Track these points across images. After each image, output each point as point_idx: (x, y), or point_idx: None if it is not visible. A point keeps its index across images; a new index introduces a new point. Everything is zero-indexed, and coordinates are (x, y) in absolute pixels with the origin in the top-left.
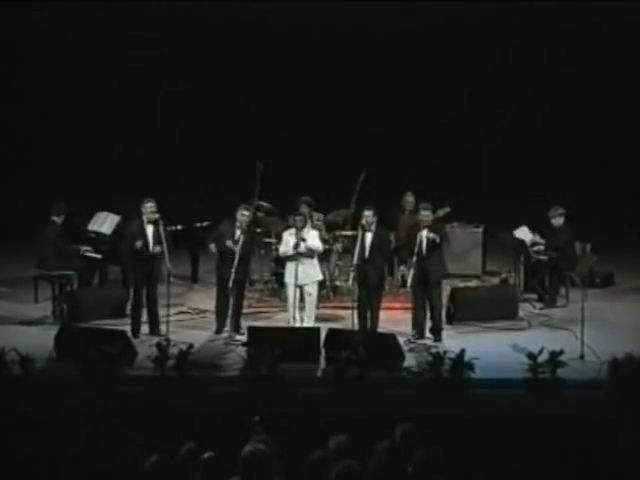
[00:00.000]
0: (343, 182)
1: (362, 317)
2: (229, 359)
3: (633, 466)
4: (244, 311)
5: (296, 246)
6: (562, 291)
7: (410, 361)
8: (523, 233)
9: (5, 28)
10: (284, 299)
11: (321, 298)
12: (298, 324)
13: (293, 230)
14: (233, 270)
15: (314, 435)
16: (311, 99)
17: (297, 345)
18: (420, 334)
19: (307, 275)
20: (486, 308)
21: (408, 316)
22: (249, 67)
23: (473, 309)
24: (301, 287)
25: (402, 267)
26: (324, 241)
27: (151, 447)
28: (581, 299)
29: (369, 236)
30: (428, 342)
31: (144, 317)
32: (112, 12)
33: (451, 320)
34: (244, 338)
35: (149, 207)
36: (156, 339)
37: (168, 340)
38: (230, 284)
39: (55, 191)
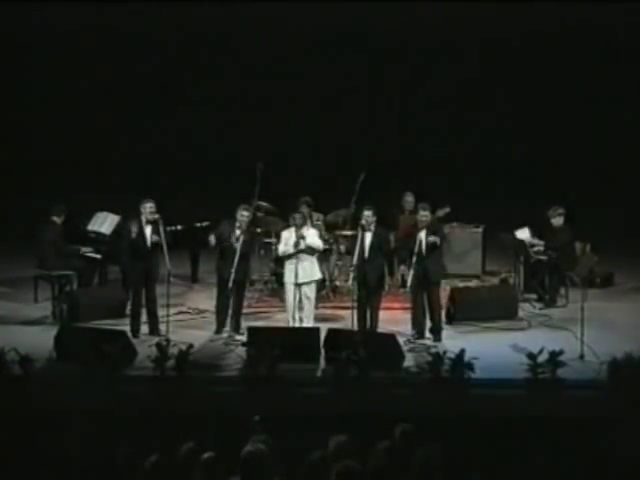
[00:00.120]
0: (343, 182)
1: (361, 317)
2: (229, 359)
3: (633, 466)
4: (244, 311)
5: (297, 244)
6: (562, 291)
7: (409, 361)
8: (524, 234)
9: (5, 28)
10: (284, 299)
11: (321, 298)
12: (297, 324)
13: (292, 229)
14: (233, 270)
15: (314, 435)
16: (311, 99)
17: (297, 345)
18: (420, 334)
19: (307, 274)
20: (486, 308)
21: (408, 316)
22: (249, 67)
23: (473, 309)
24: (300, 287)
25: (402, 267)
26: (324, 241)
27: (151, 447)
28: (581, 299)
29: (369, 236)
30: (428, 342)
31: (144, 317)
32: (111, 12)
33: (451, 320)
34: (244, 338)
35: (148, 207)
36: (156, 339)
37: (168, 340)
38: (230, 284)
39: (55, 191)
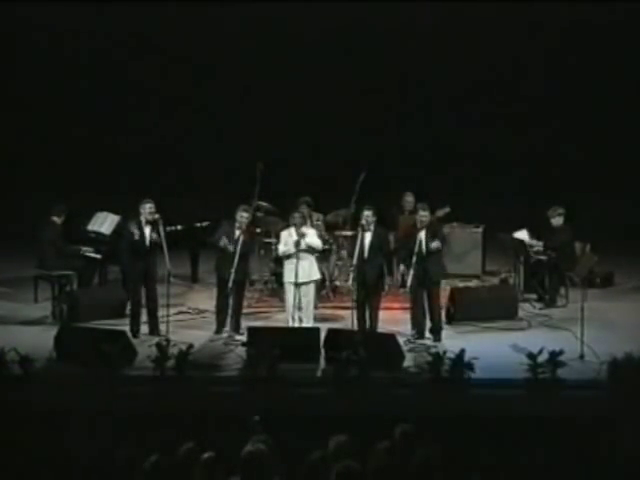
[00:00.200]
0: (343, 182)
1: (361, 317)
2: (229, 359)
3: (633, 466)
4: (244, 311)
5: (297, 244)
6: (562, 291)
7: (408, 362)
8: (522, 236)
9: (5, 27)
10: (283, 299)
11: (321, 298)
12: (297, 324)
13: (292, 229)
14: (233, 270)
15: (314, 435)
16: (311, 99)
17: (297, 345)
18: (420, 334)
19: (306, 273)
20: (486, 308)
21: (408, 316)
22: (249, 67)
23: (473, 309)
24: (300, 287)
25: (401, 266)
26: (324, 241)
27: (151, 447)
28: (581, 299)
29: (368, 236)
30: (428, 342)
31: (144, 317)
32: (110, 12)
33: (451, 320)
34: (244, 338)
35: (148, 208)
36: (156, 339)
37: (168, 340)
38: (230, 284)
39: (55, 191)
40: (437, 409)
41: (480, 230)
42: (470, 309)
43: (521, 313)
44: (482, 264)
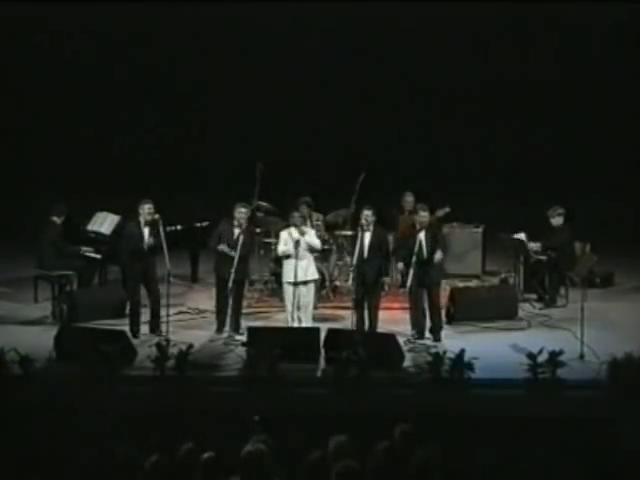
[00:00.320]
0: (343, 182)
1: (360, 317)
2: (229, 359)
3: (633, 466)
4: (244, 311)
5: (297, 244)
6: (562, 291)
7: (408, 362)
8: (520, 237)
9: (6, 27)
10: (283, 299)
11: (321, 298)
12: (296, 324)
13: (291, 229)
14: (233, 270)
15: (314, 435)
16: (311, 99)
17: (297, 345)
18: (420, 334)
19: (305, 273)
20: (486, 308)
21: (408, 316)
22: (249, 67)
23: (473, 309)
24: (299, 286)
25: (400, 264)
26: (324, 241)
27: (151, 447)
28: (581, 299)
29: (367, 236)
30: (428, 342)
31: (144, 317)
32: (109, 11)
33: (451, 320)
34: (244, 338)
35: (147, 208)
36: (156, 339)
37: (168, 340)
38: (230, 284)
39: (55, 191)
40: (437, 409)
41: (480, 230)
42: (470, 309)
43: (521, 313)
44: (482, 264)
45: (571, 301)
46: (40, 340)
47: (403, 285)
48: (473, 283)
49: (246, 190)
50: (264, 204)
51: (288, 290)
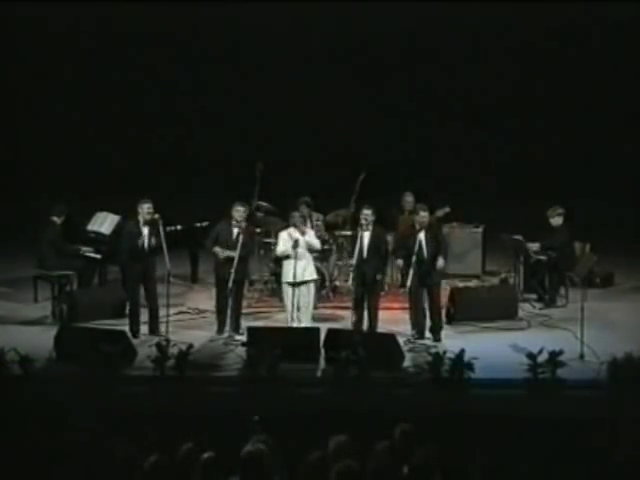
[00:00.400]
0: (343, 182)
1: (358, 317)
2: (229, 359)
3: (633, 466)
4: (244, 311)
5: (295, 244)
6: (562, 291)
7: (408, 362)
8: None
9: (5, 27)
10: (283, 299)
11: (321, 298)
12: (296, 324)
13: (291, 229)
14: (233, 270)
15: (314, 435)
16: (311, 99)
17: (297, 345)
18: (420, 334)
19: (304, 274)
20: (486, 308)
21: (408, 316)
22: (249, 67)
23: (473, 309)
24: (298, 287)
25: (399, 261)
26: (324, 241)
27: (151, 447)
28: (581, 299)
29: (367, 235)
30: (428, 342)
31: (143, 317)
32: (110, 10)
33: (451, 320)
34: (244, 338)
35: (146, 208)
36: (156, 339)
37: (168, 340)
38: (230, 284)
39: (55, 191)
40: (437, 409)
41: (480, 230)
42: (470, 309)
43: (521, 313)
44: (482, 264)
45: (571, 301)
46: (40, 340)
47: (403, 285)
48: (473, 283)
49: (246, 190)
50: (264, 204)
51: (287, 290)
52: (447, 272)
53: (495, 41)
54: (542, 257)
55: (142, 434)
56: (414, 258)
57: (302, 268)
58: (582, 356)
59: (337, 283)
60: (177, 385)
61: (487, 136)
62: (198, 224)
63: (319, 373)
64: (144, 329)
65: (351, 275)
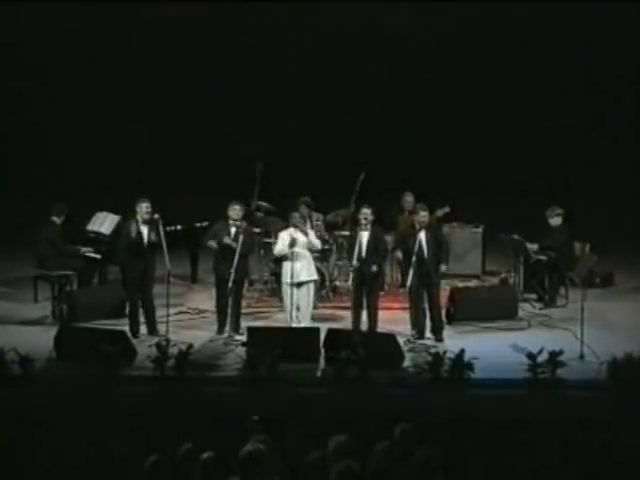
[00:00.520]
0: (343, 182)
1: (357, 317)
2: (229, 359)
3: (633, 466)
4: (244, 311)
5: (291, 244)
6: (562, 291)
7: (408, 362)
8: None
9: (6, 26)
10: (283, 299)
11: (321, 298)
12: (296, 324)
13: (290, 229)
14: (232, 270)
15: (314, 435)
16: (311, 99)
17: (297, 345)
18: (420, 334)
19: (303, 274)
20: (486, 308)
21: (408, 316)
22: (249, 67)
23: (473, 309)
24: (297, 287)
25: (398, 252)
26: (324, 241)
27: (151, 447)
28: (580, 299)
29: (366, 235)
30: (429, 342)
31: (143, 317)
32: (107, 11)
33: (451, 320)
34: (244, 338)
35: (144, 207)
36: (155, 339)
37: (168, 340)
38: (230, 284)
39: (55, 191)
40: (437, 409)
41: (480, 230)
42: (470, 309)
43: (521, 313)
44: (482, 264)
45: (571, 301)
46: (40, 340)
47: (403, 285)
48: (473, 283)
49: (246, 190)
50: (264, 204)
51: (287, 290)
52: (447, 272)
53: (495, 40)
54: (542, 257)
55: (143, 434)
56: (414, 258)
57: (302, 268)
58: (582, 356)
59: (337, 283)
60: (177, 385)
61: (487, 136)
62: (198, 224)
63: (319, 373)
64: (144, 329)
65: (351, 275)
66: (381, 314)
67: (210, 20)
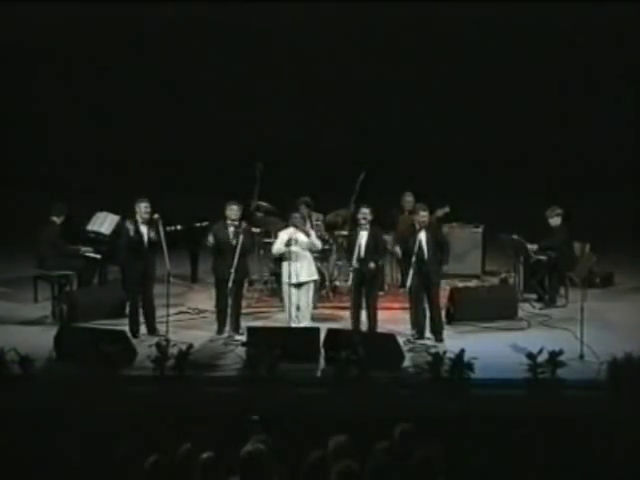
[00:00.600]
0: (343, 182)
1: (356, 316)
2: (229, 359)
3: (633, 466)
4: (244, 311)
5: (288, 243)
6: (561, 291)
7: (408, 362)
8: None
9: (5, 26)
10: (282, 299)
11: (321, 298)
12: (296, 324)
13: (290, 229)
14: (232, 270)
15: (314, 435)
16: (311, 99)
17: (296, 345)
18: (420, 334)
19: (303, 274)
20: (486, 308)
21: (408, 316)
22: (249, 67)
23: (473, 309)
24: (297, 287)
25: (397, 249)
26: (324, 241)
27: (151, 447)
28: (580, 299)
29: (365, 235)
30: (429, 342)
31: (142, 317)
32: (107, 11)
33: (451, 320)
34: (243, 338)
35: (143, 207)
36: (155, 339)
37: (168, 340)
38: (230, 284)
39: (55, 191)
40: (437, 409)
41: (480, 230)
42: (470, 309)
43: (521, 313)
44: (482, 264)
45: (571, 301)
46: (40, 340)
47: (403, 285)
48: (473, 283)
49: (246, 190)
50: (264, 204)
51: (287, 290)
52: (447, 272)
53: (495, 41)
54: (542, 257)
55: (142, 434)
56: (414, 258)
57: (302, 268)
58: (582, 356)
59: (337, 283)
60: (177, 385)
61: (487, 136)
62: (198, 224)
63: (319, 373)
64: (144, 329)
65: (350, 275)
66: (381, 314)
67: (210, 20)
